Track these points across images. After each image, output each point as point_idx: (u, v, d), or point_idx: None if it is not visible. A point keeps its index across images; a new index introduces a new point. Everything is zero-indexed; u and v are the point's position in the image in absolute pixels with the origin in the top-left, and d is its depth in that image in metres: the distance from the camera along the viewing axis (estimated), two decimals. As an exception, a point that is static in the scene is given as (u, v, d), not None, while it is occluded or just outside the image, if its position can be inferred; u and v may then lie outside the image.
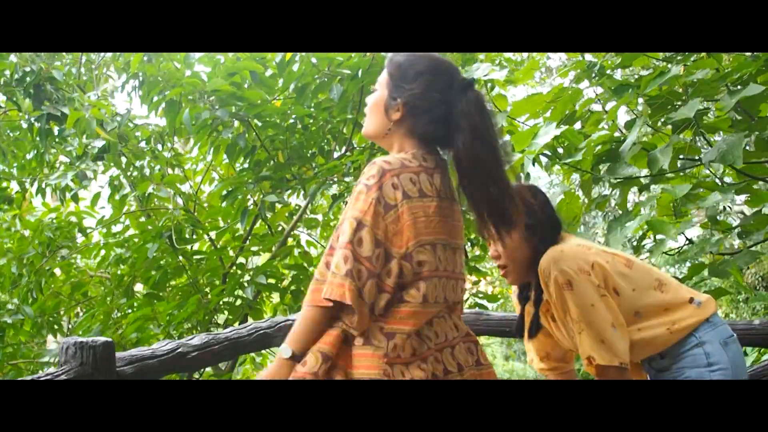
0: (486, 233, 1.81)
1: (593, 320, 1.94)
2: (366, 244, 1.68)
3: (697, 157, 2.84)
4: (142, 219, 4.80)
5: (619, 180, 2.78)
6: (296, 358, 1.71)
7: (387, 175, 1.72)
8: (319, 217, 5.26)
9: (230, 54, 4.26)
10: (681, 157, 2.82)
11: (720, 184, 2.89)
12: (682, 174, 2.88)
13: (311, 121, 4.44)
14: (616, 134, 2.91)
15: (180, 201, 4.54)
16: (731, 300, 8.66)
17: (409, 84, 1.82)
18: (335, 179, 4.11)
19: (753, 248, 3.10)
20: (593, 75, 2.89)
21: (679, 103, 2.50)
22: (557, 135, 2.67)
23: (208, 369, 4.41)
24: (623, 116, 3.64)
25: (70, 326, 5.04)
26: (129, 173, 4.55)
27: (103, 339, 1.86)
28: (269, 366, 1.76)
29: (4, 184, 5.17)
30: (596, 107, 3.15)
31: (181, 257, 4.31)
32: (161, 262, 4.35)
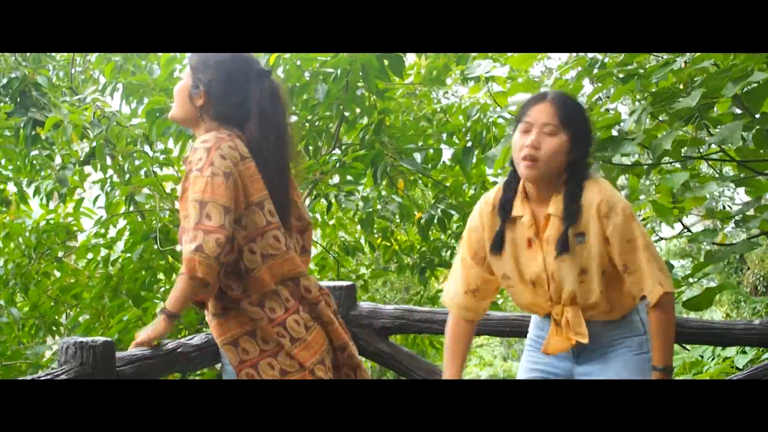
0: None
1: (654, 250, 1.95)
2: (214, 216, 1.82)
3: (699, 148, 2.83)
4: (139, 218, 4.76)
5: (619, 165, 2.78)
6: (175, 316, 1.93)
7: (212, 150, 1.87)
8: (317, 216, 5.22)
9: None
10: (684, 149, 2.81)
11: (719, 174, 2.88)
12: (683, 165, 2.87)
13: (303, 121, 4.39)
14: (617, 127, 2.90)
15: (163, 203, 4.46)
16: (732, 300, 8.69)
17: (209, 73, 1.99)
18: (318, 177, 4.07)
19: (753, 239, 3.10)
20: (594, 71, 2.89)
21: (680, 100, 2.49)
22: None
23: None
24: (624, 114, 3.63)
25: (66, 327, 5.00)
26: (120, 175, 4.50)
27: (103, 339, 1.85)
28: (153, 324, 1.96)
29: (1, 186, 5.14)
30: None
31: (171, 258, 4.26)
32: (151, 264, 4.31)
